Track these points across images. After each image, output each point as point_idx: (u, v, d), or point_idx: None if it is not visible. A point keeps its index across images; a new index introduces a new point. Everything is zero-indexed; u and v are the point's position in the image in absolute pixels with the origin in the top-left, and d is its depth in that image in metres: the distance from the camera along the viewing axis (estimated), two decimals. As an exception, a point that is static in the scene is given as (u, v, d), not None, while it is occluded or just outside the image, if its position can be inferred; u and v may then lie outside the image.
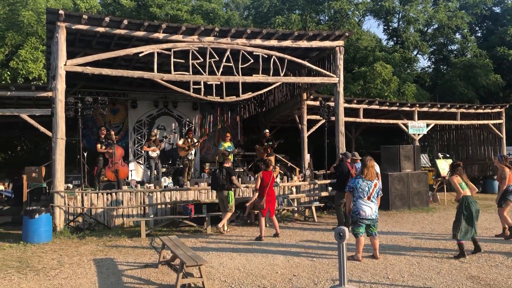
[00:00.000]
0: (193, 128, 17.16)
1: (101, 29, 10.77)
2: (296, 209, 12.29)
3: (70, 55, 10.90)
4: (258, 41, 12.27)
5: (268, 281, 6.29)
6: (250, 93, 12.92)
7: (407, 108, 16.72)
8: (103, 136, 12.56)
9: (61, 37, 10.46)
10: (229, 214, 10.05)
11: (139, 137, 16.56)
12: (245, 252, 8.10)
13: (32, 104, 13.16)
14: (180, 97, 16.18)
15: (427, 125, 16.97)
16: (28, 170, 12.74)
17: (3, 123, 16.22)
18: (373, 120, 16.63)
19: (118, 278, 6.57)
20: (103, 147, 12.33)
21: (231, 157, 13.80)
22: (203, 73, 11.62)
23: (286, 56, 12.58)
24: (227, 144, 14.07)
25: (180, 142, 13.99)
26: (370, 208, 7.28)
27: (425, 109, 17.01)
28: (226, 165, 10.21)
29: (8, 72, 16.99)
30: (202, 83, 11.57)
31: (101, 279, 6.49)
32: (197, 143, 14.17)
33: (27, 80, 16.82)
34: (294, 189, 12.82)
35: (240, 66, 11.93)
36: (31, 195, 12.24)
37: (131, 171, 14.77)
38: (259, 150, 14.78)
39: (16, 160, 21.25)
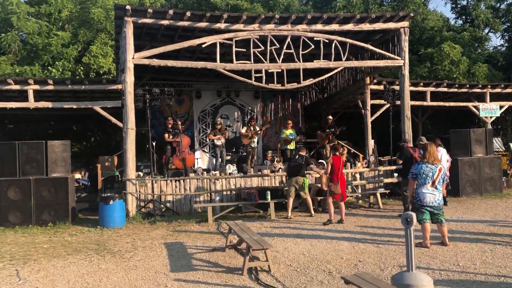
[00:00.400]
0: (255, 116, 17.36)
1: (165, 22, 11.13)
2: (360, 195, 12.14)
3: (137, 49, 11.37)
4: (318, 26, 12.13)
5: (333, 266, 6.31)
6: (311, 79, 12.84)
7: (478, 90, 15.88)
8: (170, 126, 13.03)
9: (129, 31, 10.94)
10: (310, 199, 10.50)
11: (203, 126, 17.01)
12: (309, 238, 8.16)
13: (103, 96, 13.90)
14: (242, 86, 16.40)
15: (500, 107, 16.05)
16: (101, 159, 13.52)
17: (79, 115, 17.28)
18: (441, 103, 15.95)
19: (188, 261, 6.87)
20: (171, 137, 12.80)
21: (293, 144, 13.86)
22: (264, 61, 11.69)
23: (347, 40, 12.36)
24: (289, 132, 14.10)
25: (243, 130, 14.22)
26: (433, 195, 7.04)
27: (497, 90, 16.06)
28: (302, 153, 10.59)
29: (81, 67, 18.02)
30: (263, 71, 11.66)
31: (172, 262, 6.82)
32: (259, 131, 14.33)
33: (98, 74, 17.75)
34: (357, 176, 12.66)
35: (300, 52, 11.89)
36: (105, 182, 13.00)
37: (197, 159, 15.23)
38: (321, 137, 14.68)
39: (90, 150, 22.57)
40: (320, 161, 12.53)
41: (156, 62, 11.29)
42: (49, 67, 17.80)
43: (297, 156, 10.67)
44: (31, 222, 9.97)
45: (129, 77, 11.06)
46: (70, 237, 8.96)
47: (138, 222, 10.30)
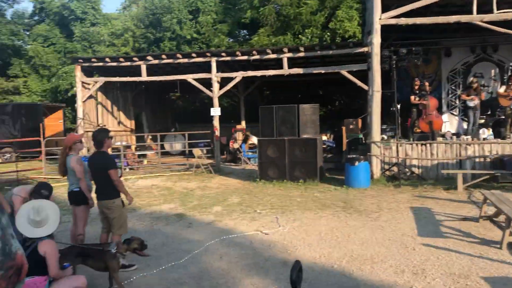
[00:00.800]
0: (517, 73, 15.03)
1: (414, -23, 10.52)
2: None
3: (384, 9, 11.10)
4: None
5: None
6: None
7: None
8: (416, 87, 12.45)
9: (376, -8, 10.77)
10: None
11: (453, 87, 15.67)
12: None
13: (349, 60, 14.16)
14: (502, 39, 14.30)
15: None
16: (346, 122, 13.95)
17: (323, 81, 18.18)
18: None
19: (436, 227, 6.58)
20: (417, 99, 12.25)
21: None
22: (534, 7, 9.94)
23: None
24: None
25: (501, 90, 12.52)
26: None
27: None
28: None
29: (328, 33, 18.70)
30: (532, 19, 9.94)
31: (420, 226, 6.64)
32: (523, 91, 12.39)
33: (344, 39, 18.12)
34: None
35: None
36: (349, 145, 13.42)
37: (445, 122, 14.22)
38: None
39: (335, 114, 23.58)
40: None
41: (403, 21, 10.84)
42: (299, 35, 19.08)
43: None
44: (285, 177, 11.12)
45: (376, 39, 10.95)
46: (318, 193, 9.66)
47: (382, 185, 10.35)
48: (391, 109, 12.12)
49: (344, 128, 13.89)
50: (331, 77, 14.69)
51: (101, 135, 5.11)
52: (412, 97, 12.30)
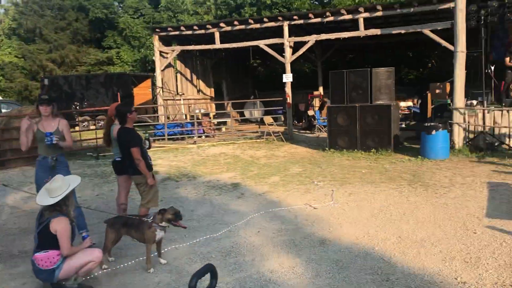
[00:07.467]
0: None
1: None
2: None
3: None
4: None
5: None
6: None
7: None
8: (512, 47, 10.91)
9: None
10: None
11: None
12: None
13: (433, 18, 12.82)
14: None
15: None
16: (432, 86, 12.71)
17: (412, 41, 16.75)
18: None
19: (511, 207, 5.72)
20: (512, 60, 10.73)
21: None
22: None
23: None
24: None
25: None
26: None
27: None
28: None
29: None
30: None
31: (491, 205, 5.80)
32: None
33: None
34: None
35: None
36: (435, 111, 12.25)
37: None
38: None
39: (427, 77, 21.79)
40: None
41: (495, -32, 9.42)
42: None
43: None
44: (356, 147, 10.51)
45: (460, -8, 9.68)
46: (388, 164, 8.97)
47: (464, 156, 9.34)
48: (486, 71, 10.77)
49: (429, 93, 12.70)
50: (419, 37, 13.43)
51: (123, 110, 4.95)
52: (507, 59, 10.79)
